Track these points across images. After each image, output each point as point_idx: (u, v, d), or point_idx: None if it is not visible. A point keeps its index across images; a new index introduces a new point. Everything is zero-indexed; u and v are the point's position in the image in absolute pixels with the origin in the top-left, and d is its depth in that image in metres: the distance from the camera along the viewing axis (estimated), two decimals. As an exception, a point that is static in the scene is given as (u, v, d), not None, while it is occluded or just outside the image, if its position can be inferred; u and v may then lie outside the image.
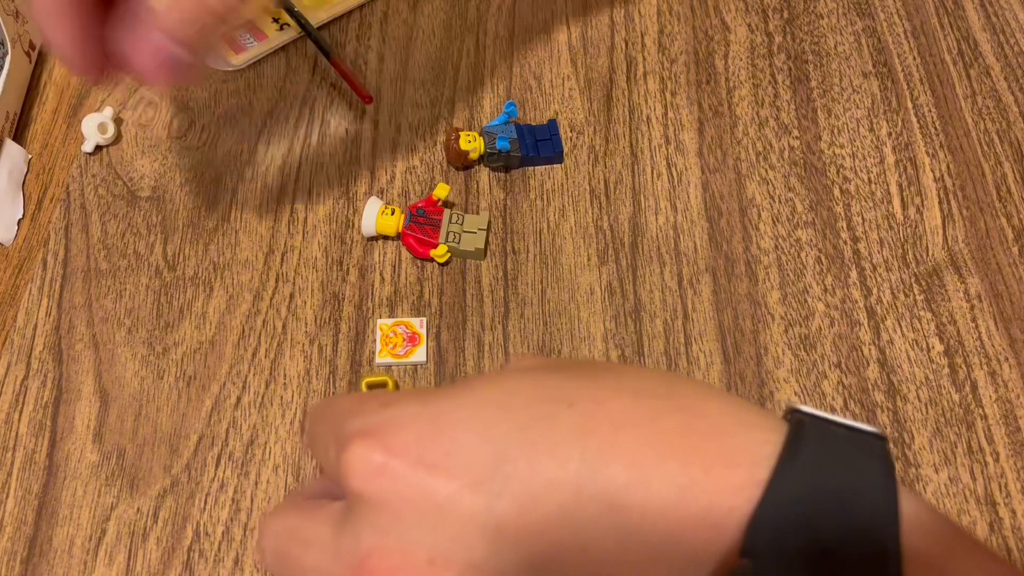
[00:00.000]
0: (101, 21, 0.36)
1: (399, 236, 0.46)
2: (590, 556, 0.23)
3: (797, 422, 0.23)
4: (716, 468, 0.22)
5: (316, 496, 0.28)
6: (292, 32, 0.56)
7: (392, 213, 0.46)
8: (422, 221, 0.46)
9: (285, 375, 0.43)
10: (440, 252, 0.45)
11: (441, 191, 0.46)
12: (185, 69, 0.36)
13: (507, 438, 0.23)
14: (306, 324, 0.44)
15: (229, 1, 0.35)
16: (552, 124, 0.50)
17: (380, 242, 0.47)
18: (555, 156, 0.49)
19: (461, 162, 0.49)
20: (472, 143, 0.48)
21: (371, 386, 0.41)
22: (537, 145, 0.49)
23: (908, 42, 0.54)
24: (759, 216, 0.47)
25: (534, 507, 0.23)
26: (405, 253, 0.47)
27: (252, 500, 0.40)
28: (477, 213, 0.48)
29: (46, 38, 0.37)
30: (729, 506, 0.22)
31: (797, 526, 0.21)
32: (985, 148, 0.49)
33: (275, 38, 0.56)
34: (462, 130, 0.49)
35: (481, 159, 0.49)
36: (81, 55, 0.37)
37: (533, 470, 0.23)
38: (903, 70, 0.52)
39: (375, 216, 0.46)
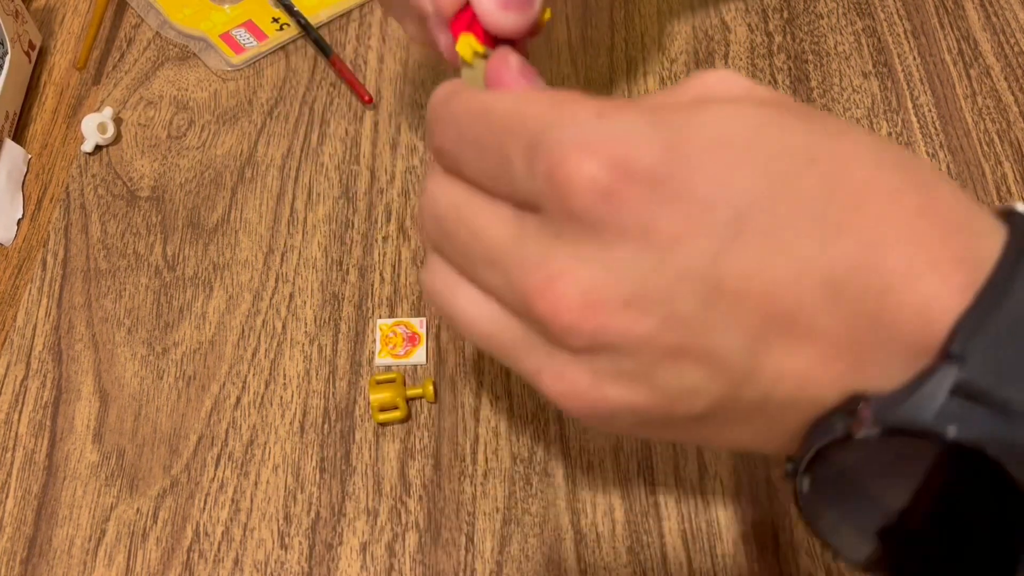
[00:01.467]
0: None
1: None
2: (800, 328, 0.21)
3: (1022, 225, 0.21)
4: (943, 263, 0.20)
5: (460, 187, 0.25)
6: (292, 32, 0.56)
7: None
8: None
9: (285, 375, 0.43)
10: (467, 42, 0.31)
11: None
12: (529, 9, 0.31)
13: (746, 191, 0.21)
14: (306, 324, 0.44)
15: None
16: None
17: (379, 242, 0.47)
18: None
19: None
20: None
21: (380, 383, 0.41)
22: None
23: (908, 42, 0.54)
24: (759, 216, 0.47)
25: (760, 273, 0.21)
26: (405, 253, 0.47)
27: (252, 500, 0.39)
28: None
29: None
30: (946, 306, 0.20)
31: (1013, 341, 0.20)
32: (985, 148, 0.49)
33: (275, 38, 0.56)
34: None
35: None
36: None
37: (768, 234, 0.21)
38: (903, 70, 0.52)
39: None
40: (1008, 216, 0.22)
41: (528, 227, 0.23)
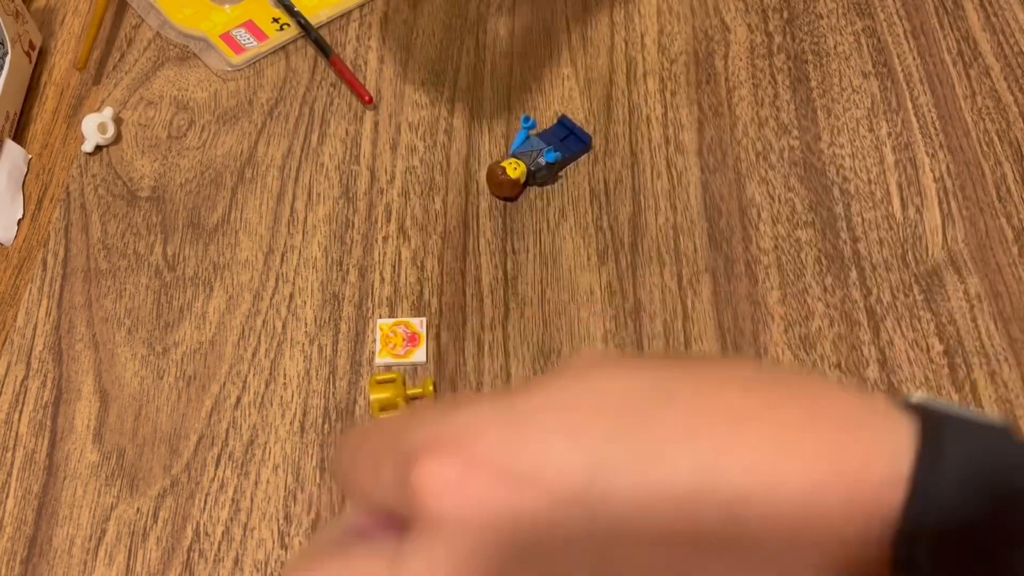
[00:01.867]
0: None
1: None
2: (711, 569, 0.20)
3: (925, 412, 0.20)
4: (851, 463, 0.19)
5: (350, 534, 0.25)
6: (292, 32, 0.56)
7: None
8: None
9: (285, 375, 0.43)
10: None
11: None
12: None
13: (605, 443, 0.20)
14: (306, 324, 0.44)
15: None
16: (564, 119, 0.50)
17: (379, 242, 0.47)
18: (587, 146, 0.50)
19: (515, 192, 0.48)
20: (517, 170, 0.47)
21: (380, 382, 0.41)
22: (565, 143, 0.49)
23: (908, 42, 0.54)
24: (759, 216, 0.47)
25: (643, 520, 0.20)
26: (405, 253, 0.47)
27: (252, 500, 0.40)
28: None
29: None
30: (869, 507, 0.19)
31: (961, 533, 0.18)
32: (985, 148, 0.49)
33: (275, 38, 0.56)
34: (500, 162, 0.47)
35: (527, 183, 0.48)
36: None
37: (640, 479, 0.20)
38: (903, 70, 0.52)
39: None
40: (911, 408, 0.21)
41: (408, 548, 0.22)
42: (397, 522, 0.23)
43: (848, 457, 0.19)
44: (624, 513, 0.20)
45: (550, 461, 0.20)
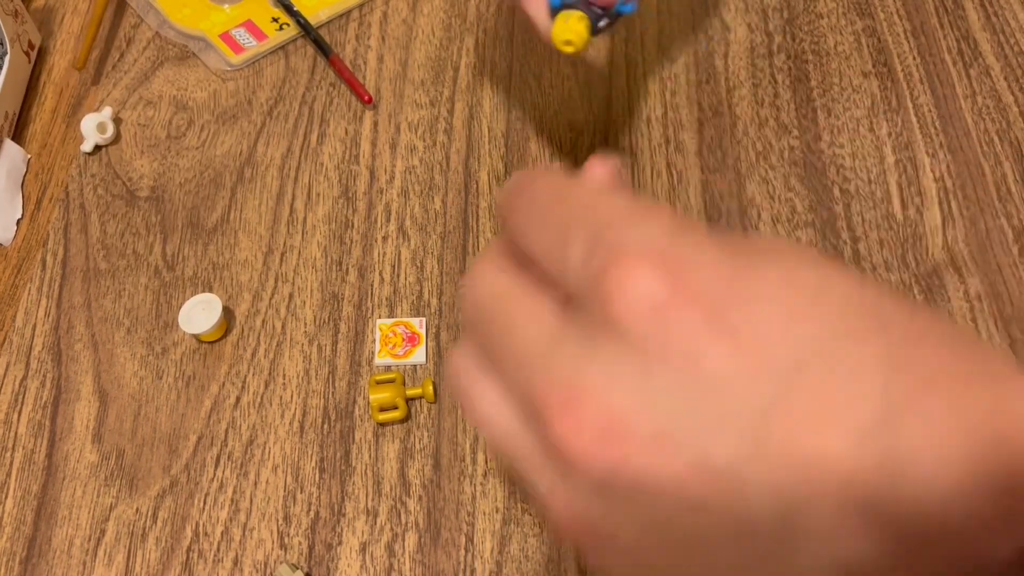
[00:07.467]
0: None
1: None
2: (856, 506, 0.18)
3: None
4: (1016, 462, 0.18)
5: (509, 276, 0.24)
6: (291, 32, 0.56)
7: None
8: None
9: (284, 375, 0.43)
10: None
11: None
12: None
13: (808, 341, 0.19)
14: (305, 324, 0.44)
15: None
16: None
17: (379, 242, 0.47)
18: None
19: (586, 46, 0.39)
20: (582, 21, 0.38)
21: (380, 383, 0.41)
22: None
23: (908, 42, 0.54)
24: (759, 216, 0.47)
25: (812, 433, 0.18)
26: (404, 253, 0.46)
27: (251, 500, 0.39)
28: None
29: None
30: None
31: None
32: (985, 148, 0.49)
33: (274, 38, 0.56)
34: (561, 9, 0.39)
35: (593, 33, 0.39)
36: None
37: (825, 392, 0.18)
38: (903, 70, 0.52)
39: None
40: None
41: (568, 331, 0.21)
42: (548, 283, 0.22)
43: (1015, 456, 0.18)
44: (800, 419, 0.19)
45: (754, 329, 0.19)
